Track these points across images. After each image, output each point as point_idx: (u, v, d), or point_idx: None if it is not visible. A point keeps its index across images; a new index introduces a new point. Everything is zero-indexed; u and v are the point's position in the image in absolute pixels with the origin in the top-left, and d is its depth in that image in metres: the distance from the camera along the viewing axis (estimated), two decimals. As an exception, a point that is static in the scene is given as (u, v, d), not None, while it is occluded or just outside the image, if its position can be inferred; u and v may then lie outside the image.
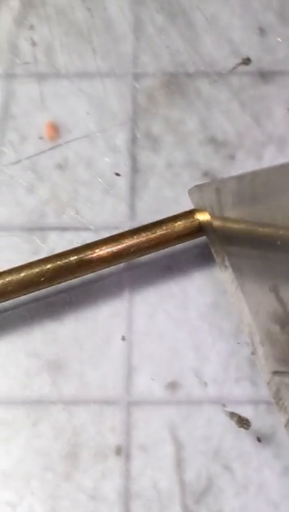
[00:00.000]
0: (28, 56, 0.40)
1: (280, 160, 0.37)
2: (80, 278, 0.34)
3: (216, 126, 0.38)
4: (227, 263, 0.32)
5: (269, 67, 0.40)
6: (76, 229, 0.35)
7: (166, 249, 0.34)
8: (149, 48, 0.40)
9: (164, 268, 0.35)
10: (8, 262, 0.33)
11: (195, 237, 0.34)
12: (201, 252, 0.35)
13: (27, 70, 0.40)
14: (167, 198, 0.36)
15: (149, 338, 0.33)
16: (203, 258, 0.34)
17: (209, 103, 0.39)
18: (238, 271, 0.32)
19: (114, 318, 0.33)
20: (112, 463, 0.31)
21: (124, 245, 0.33)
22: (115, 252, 0.33)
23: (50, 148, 0.38)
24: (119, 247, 0.33)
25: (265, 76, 0.40)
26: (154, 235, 0.33)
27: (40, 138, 0.38)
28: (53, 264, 0.32)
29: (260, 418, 0.31)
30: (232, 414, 0.31)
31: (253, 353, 0.32)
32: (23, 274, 0.32)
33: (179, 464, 0.31)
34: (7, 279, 0.32)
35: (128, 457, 0.31)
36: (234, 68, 0.40)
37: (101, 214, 0.36)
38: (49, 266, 0.32)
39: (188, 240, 0.34)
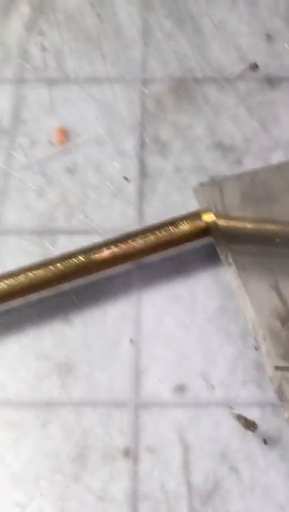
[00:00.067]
0: (38, 61, 0.41)
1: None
2: (89, 281, 0.34)
3: (223, 131, 0.38)
4: (231, 260, 0.33)
5: (276, 73, 0.40)
6: (85, 232, 0.36)
7: (173, 252, 0.34)
8: (157, 54, 0.41)
9: (171, 271, 0.35)
10: (18, 265, 0.33)
11: (201, 237, 0.34)
12: (207, 253, 0.35)
13: (37, 75, 0.40)
14: (175, 202, 0.36)
15: (157, 340, 0.33)
16: (210, 260, 0.35)
17: (217, 108, 0.39)
18: (241, 268, 0.33)
19: (122, 321, 0.34)
20: (120, 464, 0.31)
21: (131, 245, 0.33)
22: (123, 251, 0.33)
23: (60, 153, 0.38)
24: (127, 246, 0.33)
25: (272, 82, 0.40)
26: (161, 234, 0.34)
27: (50, 142, 0.38)
28: (61, 263, 0.33)
29: (266, 420, 0.31)
30: (239, 417, 0.32)
31: (257, 348, 0.32)
32: (32, 273, 0.33)
33: (187, 465, 0.31)
34: (17, 278, 0.33)
35: (136, 459, 0.31)
36: (241, 74, 0.40)
37: (110, 218, 0.36)
38: (58, 264, 0.33)
39: (194, 239, 0.34)
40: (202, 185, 0.35)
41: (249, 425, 0.31)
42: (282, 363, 0.31)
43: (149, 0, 0.42)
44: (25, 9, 0.42)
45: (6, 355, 0.33)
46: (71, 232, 0.36)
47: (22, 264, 0.33)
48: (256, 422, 0.31)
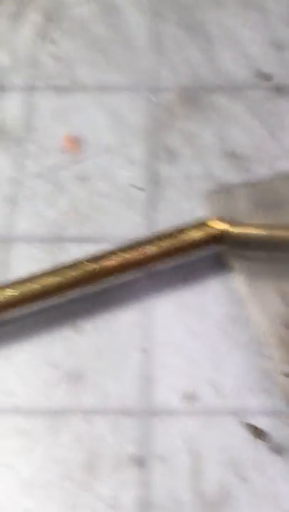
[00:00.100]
0: (49, 69, 0.41)
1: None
2: (100, 289, 0.34)
3: (232, 139, 0.38)
4: (241, 268, 0.33)
5: (285, 82, 0.40)
6: (95, 240, 0.36)
7: (182, 260, 0.34)
8: (167, 63, 0.41)
9: (181, 278, 0.35)
10: (28, 272, 0.33)
11: (212, 244, 0.34)
12: (216, 261, 0.35)
13: (48, 83, 0.40)
14: (185, 210, 0.37)
15: (167, 348, 0.33)
16: (219, 267, 0.35)
17: (226, 117, 0.39)
18: (252, 276, 0.33)
19: (132, 329, 0.34)
20: (130, 473, 0.31)
21: (141, 252, 0.34)
22: (134, 259, 0.34)
23: (70, 161, 0.38)
24: (137, 253, 0.34)
25: (281, 90, 0.40)
26: (172, 242, 0.34)
27: (61, 151, 0.38)
28: (72, 270, 0.33)
29: (276, 429, 0.31)
30: (249, 426, 0.32)
31: (266, 355, 0.32)
32: (42, 280, 0.33)
33: (196, 474, 0.31)
34: (27, 285, 0.33)
35: (146, 467, 0.31)
36: (251, 82, 0.40)
37: (119, 226, 0.36)
38: (68, 271, 0.33)
39: (205, 247, 0.34)
40: (213, 192, 0.35)
41: (258, 434, 0.31)
42: (290, 370, 0.31)
43: (160, 9, 0.43)
44: (36, 17, 0.42)
45: (17, 362, 0.33)
46: (81, 240, 0.36)
47: (32, 271, 0.34)
48: (266, 430, 0.31)
